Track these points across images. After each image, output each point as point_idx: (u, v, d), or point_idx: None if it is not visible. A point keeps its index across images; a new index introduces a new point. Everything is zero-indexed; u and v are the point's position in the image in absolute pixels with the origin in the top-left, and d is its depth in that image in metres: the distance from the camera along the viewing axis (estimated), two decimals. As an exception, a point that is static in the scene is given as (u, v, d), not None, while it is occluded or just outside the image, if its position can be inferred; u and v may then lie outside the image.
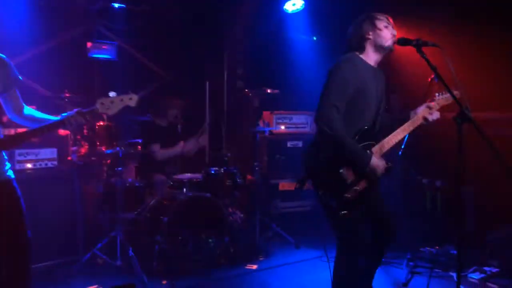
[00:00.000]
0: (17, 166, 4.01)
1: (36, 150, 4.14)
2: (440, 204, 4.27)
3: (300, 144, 5.78)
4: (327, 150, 2.69)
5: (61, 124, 2.70)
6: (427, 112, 2.93)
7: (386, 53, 2.87)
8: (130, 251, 4.11)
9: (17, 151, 4.02)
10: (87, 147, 4.48)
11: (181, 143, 5.03)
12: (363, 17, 2.88)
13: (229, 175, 4.74)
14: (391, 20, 2.88)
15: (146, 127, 4.98)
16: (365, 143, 2.76)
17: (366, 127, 2.79)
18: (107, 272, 4.11)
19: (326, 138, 2.65)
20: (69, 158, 4.46)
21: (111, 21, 5.80)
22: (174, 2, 5.96)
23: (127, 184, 4.49)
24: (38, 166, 4.15)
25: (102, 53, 5.56)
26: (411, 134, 2.92)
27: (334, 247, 2.90)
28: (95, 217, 4.56)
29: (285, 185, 5.65)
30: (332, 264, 2.87)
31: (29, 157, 4.11)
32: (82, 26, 5.64)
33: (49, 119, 2.77)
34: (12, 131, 3.61)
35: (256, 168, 5.10)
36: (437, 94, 2.97)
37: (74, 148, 4.47)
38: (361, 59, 2.84)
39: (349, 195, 2.66)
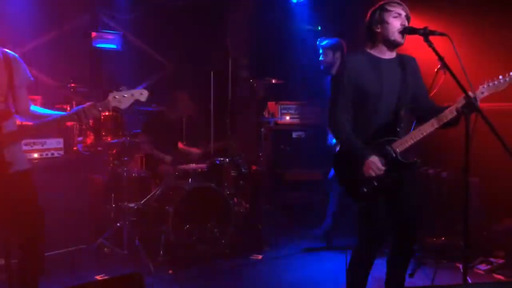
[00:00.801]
0: (24, 156, 4.02)
1: (42, 140, 4.15)
2: (446, 195, 4.25)
3: (304, 134, 5.76)
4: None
5: (74, 115, 2.70)
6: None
7: (397, 46, 2.75)
8: (137, 241, 4.13)
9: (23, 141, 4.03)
10: (93, 137, 4.48)
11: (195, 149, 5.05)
12: (374, 8, 2.77)
13: (234, 165, 4.75)
14: (403, 9, 2.71)
15: (155, 119, 4.99)
16: (385, 139, 2.70)
17: (383, 122, 2.72)
18: (114, 261, 4.14)
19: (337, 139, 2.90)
20: (75, 148, 4.47)
21: (115, 11, 5.79)
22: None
23: (133, 174, 4.51)
24: (44, 156, 4.16)
25: (107, 42, 5.56)
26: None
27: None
28: (101, 206, 4.58)
29: (292, 175, 5.64)
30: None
31: (35, 147, 4.11)
32: (86, 16, 5.62)
33: (56, 114, 2.78)
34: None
35: (261, 159, 5.09)
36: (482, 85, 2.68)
37: (80, 138, 4.48)
38: (370, 54, 2.76)
39: (365, 189, 2.69)
